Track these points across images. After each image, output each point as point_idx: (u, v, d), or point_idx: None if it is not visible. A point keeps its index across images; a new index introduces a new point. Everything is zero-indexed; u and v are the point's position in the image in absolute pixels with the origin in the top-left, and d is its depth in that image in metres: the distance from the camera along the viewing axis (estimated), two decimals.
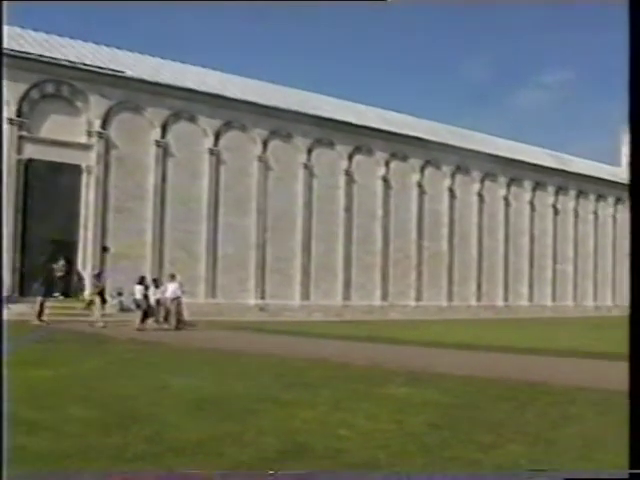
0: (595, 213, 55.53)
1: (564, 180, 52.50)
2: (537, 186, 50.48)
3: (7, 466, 4.60)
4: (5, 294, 24.72)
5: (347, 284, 39.09)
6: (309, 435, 6.48)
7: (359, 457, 5.73)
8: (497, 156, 47.39)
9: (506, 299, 47.62)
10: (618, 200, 57.86)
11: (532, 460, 5.63)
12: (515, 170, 48.76)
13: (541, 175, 50.64)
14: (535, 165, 50.33)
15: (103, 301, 23.78)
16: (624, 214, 57.82)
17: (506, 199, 48.26)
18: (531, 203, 50.10)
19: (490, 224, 47.04)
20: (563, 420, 7.69)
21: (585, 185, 54.54)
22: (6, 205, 26.97)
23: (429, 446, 6.15)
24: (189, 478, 5.23)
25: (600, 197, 56.16)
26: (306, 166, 37.77)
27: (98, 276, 24.86)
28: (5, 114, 27.09)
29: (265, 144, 36.27)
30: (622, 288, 57.54)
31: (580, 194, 54.16)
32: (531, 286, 49.63)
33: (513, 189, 48.88)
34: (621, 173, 59.39)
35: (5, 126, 27.35)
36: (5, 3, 4.70)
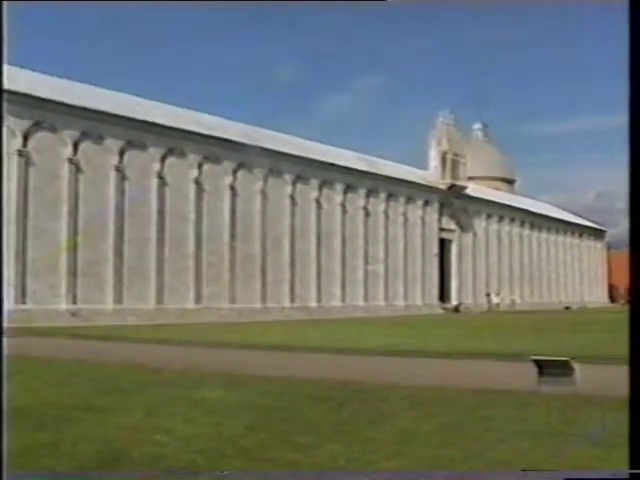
0: (404, 215, 62.35)
1: (374, 183, 58.78)
2: (348, 189, 56.35)
3: (7, 466, 4.88)
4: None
5: (160, 287, 42.28)
6: (126, 442, 6.84)
7: (177, 462, 6.22)
8: (309, 159, 52.74)
9: (319, 300, 52.93)
10: (427, 202, 65.26)
11: (350, 459, 6.29)
12: (327, 173, 54.24)
13: (352, 178, 56.56)
14: (346, 168, 56.21)
15: None
16: (432, 216, 65.43)
17: (318, 201, 53.61)
18: (342, 205, 55.82)
19: (302, 226, 52.22)
20: (378, 417, 8.51)
21: (395, 188, 61.24)
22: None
23: (247, 448, 6.68)
24: (189, 478, 5.89)
25: (409, 199, 63.14)
26: (118, 168, 40.44)
27: None
28: None
29: (76, 146, 38.56)
30: (431, 287, 65.10)
31: (390, 196, 60.80)
32: (343, 287, 55.34)
33: (325, 191, 54.34)
34: (429, 176, 66.89)
35: None
36: (5, 3, 4.92)
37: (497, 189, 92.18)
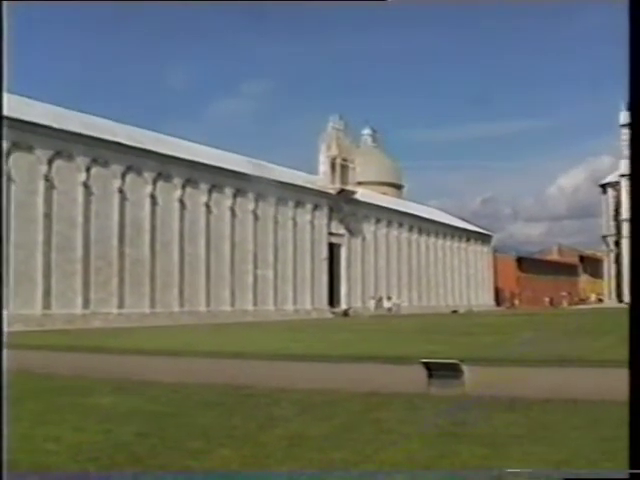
0: (294, 219, 64.74)
1: (264, 187, 60.76)
2: (238, 193, 58.34)
3: (7, 466, 4.96)
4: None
5: (47, 292, 43.05)
6: (14, 452, 6.60)
7: (68, 471, 6.27)
8: (198, 163, 54.38)
9: (208, 304, 54.69)
10: (316, 207, 67.78)
11: (242, 463, 6.49)
12: (216, 177, 56.10)
13: (241, 182, 58.51)
14: (236, 172, 58.09)
15: None
16: (321, 220, 67.94)
17: (207, 205, 55.34)
18: (232, 209, 57.79)
19: (192, 230, 53.98)
20: (269, 422, 8.74)
21: (284, 192, 63.58)
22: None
23: (138, 455, 6.80)
24: (190, 478, 6.10)
25: (299, 204, 65.57)
26: (3, 171, 40.87)
27: None
28: None
29: None
30: (321, 292, 67.58)
31: (279, 201, 63.05)
32: (232, 291, 57.29)
33: (214, 195, 56.13)
34: (318, 181, 69.42)
35: None
36: (5, 3, 5.04)
37: (386, 194, 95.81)
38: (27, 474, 6.07)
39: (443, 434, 7.81)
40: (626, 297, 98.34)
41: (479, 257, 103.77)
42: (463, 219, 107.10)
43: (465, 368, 11.32)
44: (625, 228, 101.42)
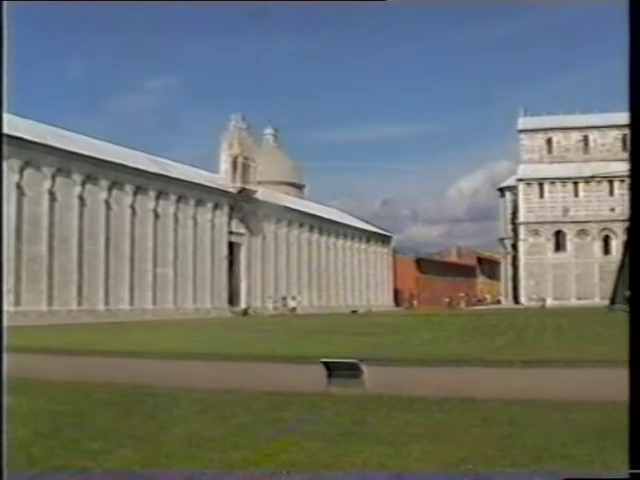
0: (194, 218, 65.89)
1: (165, 185, 61.87)
2: (138, 190, 59.22)
3: (7, 466, 5.07)
4: None
5: None
6: None
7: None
8: (99, 159, 55.01)
9: (107, 303, 55.42)
10: (217, 205, 69.10)
11: (143, 464, 6.49)
12: (117, 174, 56.86)
13: (142, 179, 59.43)
14: (136, 169, 58.94)
15: None
16: (222, 219, 69.24)
17: (107, 202, 56.02)
18: (132, 207, 58.58)
19: (91, 227, 54.62)
20: (169, 421, 8.82)
21: (185, 190, 64.74)
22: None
23: (36, 456, 6.81)
24: (191, 478, 6.13)
25: (199, 202, 66.77)
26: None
27: None
28: None
29: None
30: (220, 291, 68.85)
31: (180, 199, 64.14)
32: (132, 290, 58.11)
33: (114, 192, 56.86)
34: (219, 179, 70.73)
35: None
36: (5, 3, 5.12)
37: (287, 194, 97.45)
38: (27, 474, 6.17)
39: (344, 433, 8.01)
40: (522, 298, 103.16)
41: (379, 258, 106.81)
42: (363, 220, 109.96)
43: (365, 368, 11.41)
44: (522, 231, 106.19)
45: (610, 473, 6.08)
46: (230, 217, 71.90)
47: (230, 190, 71.51)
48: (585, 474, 6.32)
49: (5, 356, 5.31)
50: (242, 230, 73.90)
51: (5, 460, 5.00)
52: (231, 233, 72.03)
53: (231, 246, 72.29)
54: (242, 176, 73.03)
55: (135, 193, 59.04)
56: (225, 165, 72.43)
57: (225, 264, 70.81)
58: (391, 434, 7.96)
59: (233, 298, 72.21)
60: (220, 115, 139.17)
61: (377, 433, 8.10)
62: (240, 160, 73.03)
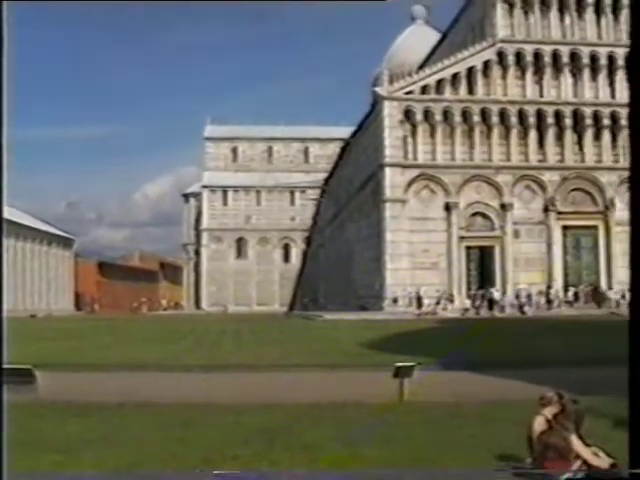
0: None
1: None
2: None
3: (7, 466, 5.17)
4: None
5: None
6: None
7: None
8: None
9: None
10: None
11: None
12: None
13: None
14: None
15: None
16: None
17: None
18: None
19: None
20: None
21: None
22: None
23: None
24: (193, 478, 6.27)
25: None
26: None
27: None
28: None
29: None
30: None
31: None
32: None
33: None
34: None
35: None
36: (5, 3, 5.17)
37: None
38: (27, 474, 6.34)
39: (15, 442, 7.37)
40: (204, 303, 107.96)
41: (60, 261, 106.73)
42: (46, 222, 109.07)
43: (38, 374, 11.26)
44: (205, 237, 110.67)
45: (610, 473, 6.32)
46: None
47: None
48: (585, 474, 6.50)
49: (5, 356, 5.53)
50: None
51: (5, 460, 5.26)
52: None
53: None
54: None
55: None
56: None
57: None
58: (65, 441, 8.17)
59: None
60: None
61: (51, 440, 8.26)
62: None
